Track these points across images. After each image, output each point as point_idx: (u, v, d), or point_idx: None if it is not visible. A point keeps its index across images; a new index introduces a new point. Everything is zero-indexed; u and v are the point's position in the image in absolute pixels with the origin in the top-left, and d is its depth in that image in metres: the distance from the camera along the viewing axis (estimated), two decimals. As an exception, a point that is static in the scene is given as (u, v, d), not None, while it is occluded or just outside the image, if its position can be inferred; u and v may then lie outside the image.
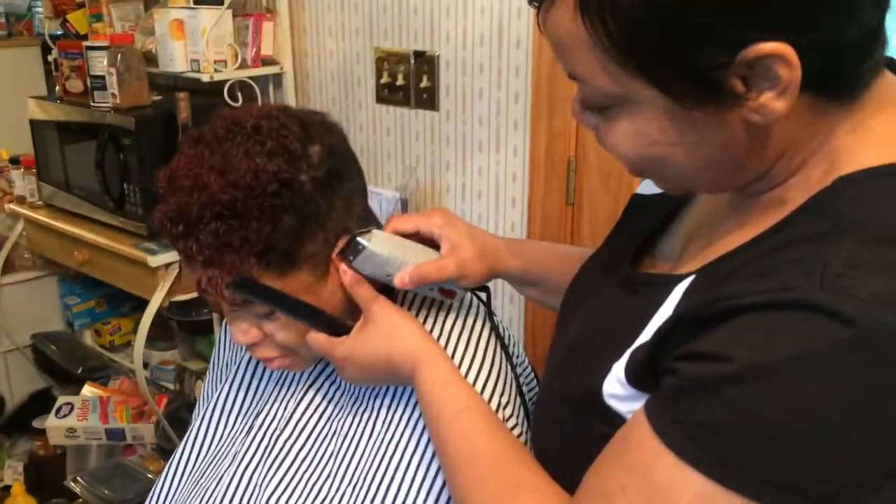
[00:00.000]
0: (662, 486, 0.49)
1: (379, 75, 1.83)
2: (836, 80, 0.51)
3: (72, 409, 2.15)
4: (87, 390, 2.26)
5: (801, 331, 0.46)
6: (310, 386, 0.88)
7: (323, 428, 0.85)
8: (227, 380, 0.93)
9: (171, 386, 2.22)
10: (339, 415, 0.85)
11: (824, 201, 0.52)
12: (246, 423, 0.88)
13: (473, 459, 0.69)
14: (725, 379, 0.47)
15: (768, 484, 0.45)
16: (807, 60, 0.48)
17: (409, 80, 1.78)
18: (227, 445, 0.88)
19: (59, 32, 2.24)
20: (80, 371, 2.33)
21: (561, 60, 0.55)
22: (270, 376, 0.91)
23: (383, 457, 0.79)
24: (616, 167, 1.59)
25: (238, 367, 0.93)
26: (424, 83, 1.75)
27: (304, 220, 0.75)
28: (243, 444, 0.86)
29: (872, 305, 0.44)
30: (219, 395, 0.92)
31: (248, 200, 0.73)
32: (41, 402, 2.40)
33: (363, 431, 0.82)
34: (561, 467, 0.65)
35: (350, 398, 0.85)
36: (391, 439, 0.80)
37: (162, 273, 1.83)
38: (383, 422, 0.81)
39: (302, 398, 0.87)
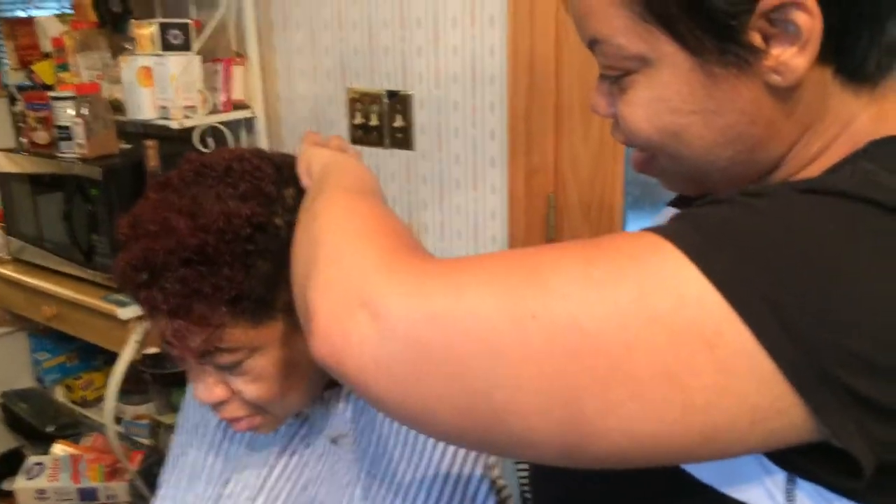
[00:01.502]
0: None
1: (352, 116, 1.80)
2: (855, 51, 0.50)
3: (42, 469, 2.06)
4: (59, 448, 2.18)
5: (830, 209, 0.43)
6: (283, 450, 0.82)
7: (298, 496, 0.79)
8: (194, 443, 0.87)
9: (146, 441, 2.15)
10: (316, 481, 0.79)
11: (850, 157, 0.50)
12: (215, 491, 0.82)
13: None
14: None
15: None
16: (827, 13, 0.47)
17: (383, 121, 1.76)
18: (196, 515, 0.82)
19: (26, 83, 2.20)
20: (51, 429, 2.25)
21: (582, 29, 0.55)
22: (242, 439, 0.86)
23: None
24: (596, 200, 1.57)
25: (207, 428, 0.88)
26: (399, 123, 1.73)
27: (279, 266, 0.71)
28: (213, 514, 0.81)
29: None
30: (185, 459, 0.87)
31: (220, 245, 0.68)
32: (11, 463, 2.30)
33: (341, 499, 0.76)
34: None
35: (326, 463, 0.80)
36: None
37: (133, 325, 1.77)
38: (362, 488, 0.76)
39: (275, 463, 0.81)
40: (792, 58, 0.48)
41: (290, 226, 0.71)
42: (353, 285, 0.48)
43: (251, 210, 0.70)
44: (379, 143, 1.77)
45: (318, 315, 0.48)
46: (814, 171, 0.52)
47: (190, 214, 0.69)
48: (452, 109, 1.65)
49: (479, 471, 0.75)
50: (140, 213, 0.72)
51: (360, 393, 0.47)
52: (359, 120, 1.79)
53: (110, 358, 2.12)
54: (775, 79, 0.49)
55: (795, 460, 0.45)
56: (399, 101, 1.72)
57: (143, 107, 1.80)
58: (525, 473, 0.84)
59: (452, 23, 1.60)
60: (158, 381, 2.12)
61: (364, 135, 1.79)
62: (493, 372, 0.43)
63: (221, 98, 1.88)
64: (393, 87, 1.72)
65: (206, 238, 0.68)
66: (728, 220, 0.44)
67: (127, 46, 1.98)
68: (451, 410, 0.45)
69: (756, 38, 0.48)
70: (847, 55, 0.50)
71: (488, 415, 0.44)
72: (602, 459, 0.45)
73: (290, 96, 1.93)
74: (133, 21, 1.84)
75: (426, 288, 0.46)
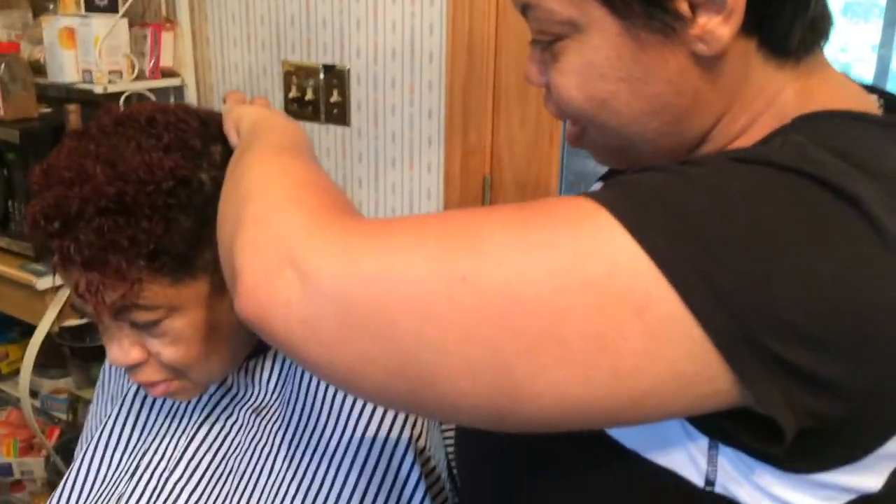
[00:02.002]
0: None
1: (287, 89, 1.77)
2: (777, 24, 0.51)
3: (-48, 445, 1.98)
4: (-30, 424, 2.09)
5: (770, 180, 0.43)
6: (204, 420, 0.80)
7: (218, 467, 0.77)
8: (111, 414, 0.85)
9: (63, 416, 2.07)
10: (237, 452, 0.78)
11: (779, 131, 0.51)
12: (132, 463, 0.80)
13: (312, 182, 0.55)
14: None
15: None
16: None
17: (319, 95, 1.72)
18: (111, 488, 0.80)
19: (-62, 39, 2.08)
20: (-39, 403, 2.16)
21: None
22: (161, 407, 0.83)
23: (284, 497, 0.73)
24: (532, 183, 1.58)
25: (125, 397, 0.85)
26: (335, 98, 1.70)
27: (202, 223, 0.68)
28: (128, 486, 0.78)
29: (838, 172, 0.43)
30: (101, 430, 0.83)
31: (140, 196, 0.65)
32: (-81, 439, 2.20)
33: (262, 470, 0.75)
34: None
35: (248, 433, 0.78)
36: (293, 477, 0.73)
37: (50, 296, 1.70)
38: (284, 458, 0.75)
39: (195, 434, 0.79)
40: (717, 27, 0.49)
41: (216, 182, 0.69)
42: (282, 244, 0.47)
43: (174, 162, 0.67)
44: (314, 117, 1.74)
45: (245, 274, 0.47)
46: (741, 144, 0.54)
47: (108, 163, 0.66)
48: (390, 86, 1.63)
49: (405, 440, 0.75)
50: (55, 162, 0.68)
51: (287, 352, 0.47)
52: (294, 93, 1.76)
53: (27, 330, 2.04)
54: (701, 48, 0.50)
55: (718, 425, 0.47)
56: (336, 76, 1.69)
57: (66, 69, 1.72)
58: (452, 443, 0.84)
59: (392, -3, 1.58)
60: (77, 354, 2.05)
61: (299, 109, 1.76)
62: (422, 334, 0.43)
63: (149, 64, 1.81)
64: (330, 61, 1.69)
65: (125, 187, 0.65)
66: (661, 188, 0.44)
67: (49, 6, 1.89)
68: (380, 371, 0.44)
69: (682, 6, 0.49)
70: (770, 28, 0.51)
71: (417, 376, 0.44)
72: (531, 424, 0.45)
73: (223, 65, 1.88)
74: (57, -21, 1.76)
75: (356, 248, 0.45)
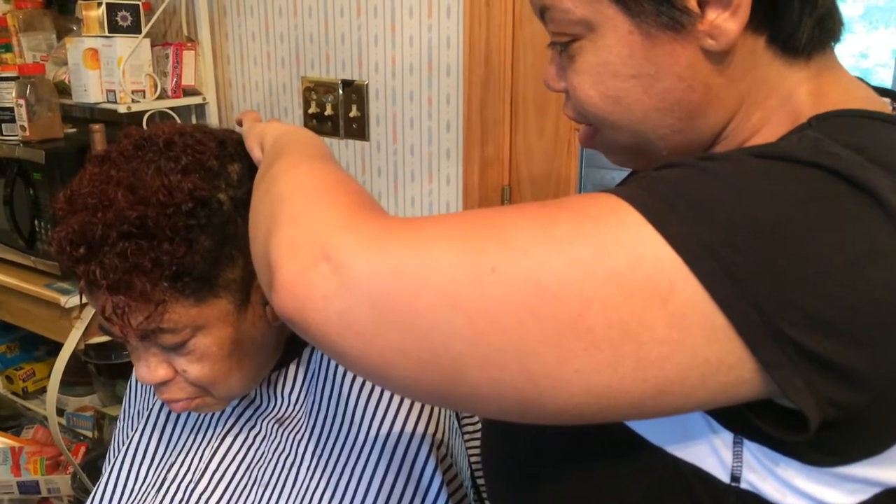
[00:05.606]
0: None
1: (307, 105, 1.78)
2: (786, 20, 0.52)
3: (-20, 462, 2.00)
4: (-2, 441, 2.11)
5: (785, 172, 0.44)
6: (227, 432, 0.81)
7: (242, 477, 0.78)
8: (138, 428, 0.85)
9: (89, 434, 2.09)
10: (260, 462, 0.78)
11: (796, 129, 0.51)
12: (158, 476, 0.80)
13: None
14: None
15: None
16: None
17: (338, 110, 1.74)
18: (139, 502, 0.80)
19: (-34, 63, 2.12)
20: (-11, 421, 2.19)
21: None
22: (186, 422, 0.84)
23: (308, 507, 0.73)
24: (551, 194, 1.57)
25: (150, 412, 0.86)
26: (354, 113, 1.71)
27: (222, 242, 0.70)
28: (155, 499, 0.78)
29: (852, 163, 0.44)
30: (128, 445, 0.84)
31: (160, 219, 0.66)
32: (-53, 457, 2.23)
33: (286, 480, 0.75)
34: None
35: (271, 444, 0.79)
36: (317, 486, 0.74)
37: (76, 314, 1.72)
38: (307, 469, 0.75)
39: (219, 446, 0.80)
40: (725, 21, 0.50)
41: (234, 201, 0.70)
42: (317, 240, 0.48)
43: (193, 184, 0.68)
44: (334, 133, 1.76)
45: (282, 270, 0.48)
46: (757, 142, 0.54)
47: (129, 187, 0.67)
48: (408, 100, 1.64)
49: (426, 447, 0.75)
50: (77, 187, 0.69)
51: (323, 346, 0.48)
52: (313, 109, 1.77)
53: (53, 348, 2.07)
54: (710, 43, 0.51)
55: (742, 419, 0.47)
56: (354, 91, 1.70)
57: (90, 90, 1.75)
58: (476, 453, 0.84)
59: (409, 13, 1.59)
60: (103, 371, 2.07)
61: (318, 124, 1.77)
62: (451, 325, 0.44)
63: (171, 83, 1.84)
64: (348, 77, 1.71)
65: (146, 211, 0.66)
66: (681, 181, 0.45)
67: (73, 28, 1.93)
68: (413, 362, 0.45)
69: (691, 2, 0.50)
70: (778, 25, 0.52)
71: (447, 367, 0.45)
72: (557, 414, 0.45)
73: (243, 83, 1.90)
74: (80, 2, 1.79)
75: (388, 242, 0.46)
